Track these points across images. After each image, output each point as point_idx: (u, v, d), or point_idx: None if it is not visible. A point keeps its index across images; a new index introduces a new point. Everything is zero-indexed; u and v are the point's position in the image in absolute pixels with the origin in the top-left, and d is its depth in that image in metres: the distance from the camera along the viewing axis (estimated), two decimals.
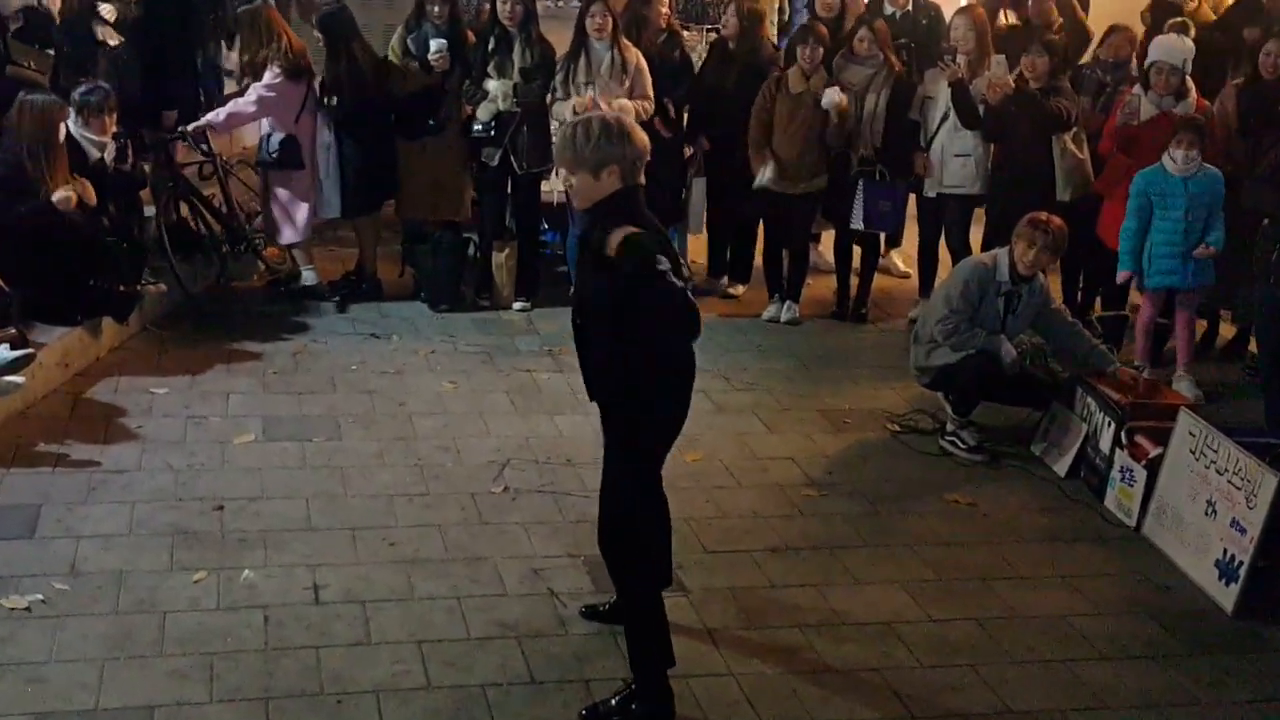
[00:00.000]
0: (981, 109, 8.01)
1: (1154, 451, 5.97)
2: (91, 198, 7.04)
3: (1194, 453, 5.68)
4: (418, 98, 8.34)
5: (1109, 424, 6.31)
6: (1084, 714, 4.60)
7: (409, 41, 8.45)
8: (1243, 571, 5.29)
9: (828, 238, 9.36)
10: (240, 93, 8.28)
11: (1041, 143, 7.87)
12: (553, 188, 8.73)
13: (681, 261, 4.24)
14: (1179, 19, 8.51)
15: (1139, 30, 8.88)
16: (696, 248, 9.36)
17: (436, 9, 8.33)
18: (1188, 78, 7.71)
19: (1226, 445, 5.49)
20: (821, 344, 8.31)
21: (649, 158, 4.24)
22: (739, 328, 8.47)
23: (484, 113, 8.24)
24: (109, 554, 5.19)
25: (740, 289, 9.15)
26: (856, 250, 8.83)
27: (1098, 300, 8.52)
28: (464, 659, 4.65)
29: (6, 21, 7.65)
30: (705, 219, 9.10)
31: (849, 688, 4.65)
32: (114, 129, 7.42)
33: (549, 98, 8.23)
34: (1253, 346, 8.02)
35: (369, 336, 7.95)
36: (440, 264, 8.53)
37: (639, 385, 4.16)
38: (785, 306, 8.66)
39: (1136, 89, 7.82)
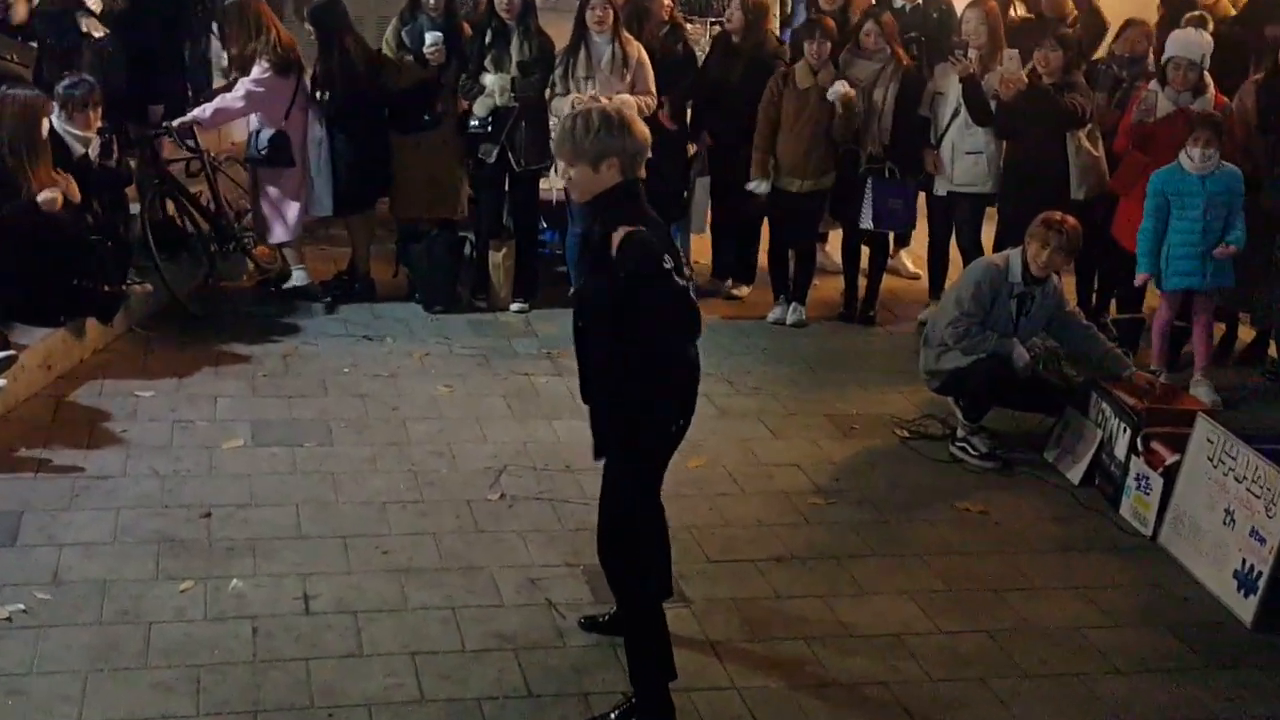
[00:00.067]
0: (993, 105, 8.00)
1: (1171, 458, 5.96)
2: (75, 194, 7.04)
3: (1212, 460, 5.68)
4: (412, 92, 8.34)
5: (1124, 430, 6.31)
6: None
7: (403, 34, 8.45)
8: (1262, 583, 5.28)
9: (835, 237, 9.36)
10: (228, 87, 8.27)
11: (1055, 140, 7.86)
12: (551, 185, 8.75)
13: (683, 260, 4.23)
14: (1197, 13, 8.50)
15: (1155, 22, 8.88)
16: (699, 248, 9.36)
17: (432, 1, 8.34)
18: (1206, 73, 7.71)
19: (1245, 452, 5.48)
20: (828, 347, 8.31)
21: (650, 154, 4.24)
22: (743, 330, 8.47)
23: (481, 108, 8.24)
24: (92, 563, 5.18)
25: (744, 290, 9.15)
26: (865, 250, 8.83)
27: (1113, 302, 8.52)
28: (459, 671, 4.64)
29: None
30: (708, 218, 9.10)
31: (856, 702, 4.65)
32: (98, 124, 7.41)
33: (548, 93, 8.24)
34: (1273, 350, 8.04)
35: (362, 338, 7.95)
36: (435, 264, 8.53)
37: (638, 386, 4.15)
38: (791, 308, 8.66)
39: (1153, 85, 7.82)
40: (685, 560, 5.41)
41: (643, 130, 4.18)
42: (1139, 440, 6.17)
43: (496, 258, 8.60)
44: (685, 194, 8.89)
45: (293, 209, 8.36)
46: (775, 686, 4.70)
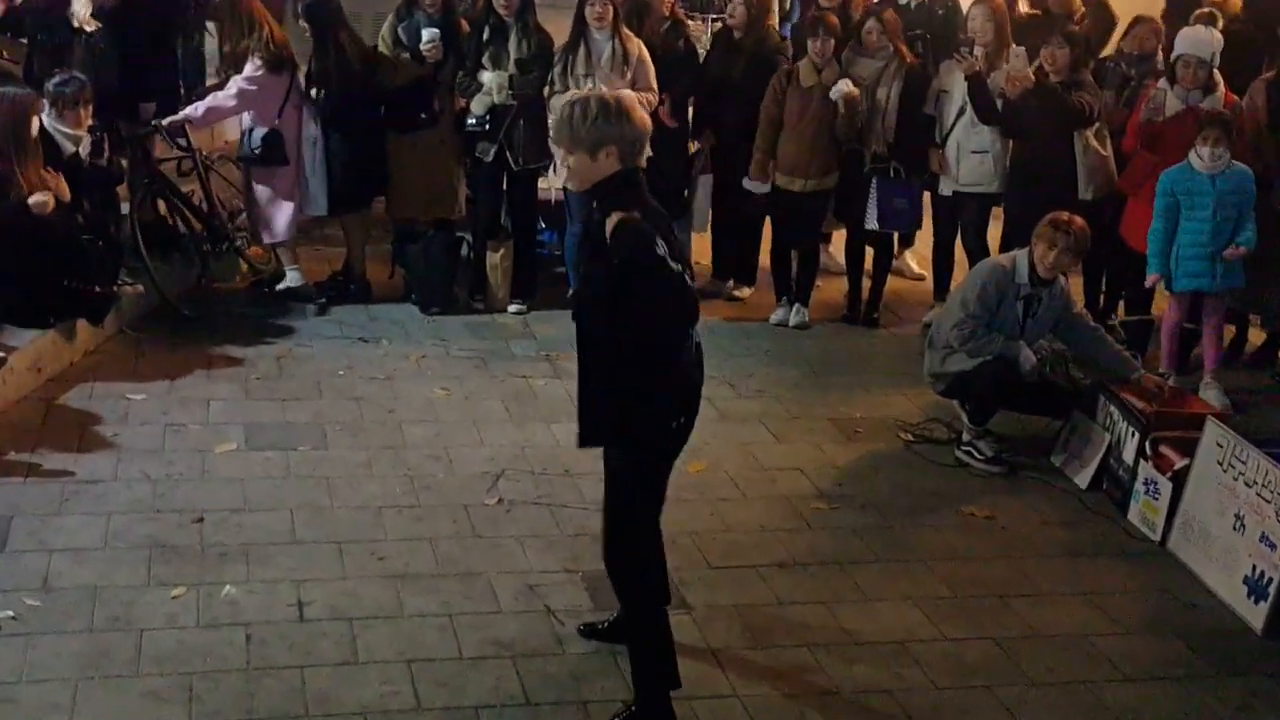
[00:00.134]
0: (1000, 103, 8.01)
1: (1180, 463, 5.97)
2: (65, 194, 7.04)
3: (1221, 464, 5.68)
4: (409, 90, 8.34)
5: (1132, 434, 6.31)
6: None
7: (400, 31, 8.45)
8: (1272, 589, 5.29)
9: (838, 238, 9.37)
10: (220, 85, 8.27)
11: (1062, 139, 7.87)
12: (550, 184, 8.75)
13: (680, 249, 4.22)
14: (1206, 10, 8.51)
15: (1159, 15, 8.88)
16: (701, 248, 9.36)
17: None
18: (1215, 71, 7.71)
19: (1256, 456, 5.49)
20: (832, 349, 8.32)
21: (650, 150, 4.25)
22: (745, 332, 8.47)
23: (478, 106, 8.25)
24: (83, 568, 5.19)
25: (746, 291, 9.16)
26: (869, 251, 8.83)
27: (1121, 304, 8.52)
28: (456, 679, 4.65)
29: None
30: (710, 217, 9.09)
31: (859, 711, 4.66)
32: (90, 122, 7.41)
33: (546, 90, 8.25)
34: None
35: (357, 340, 7.96)
36: (432, 264, 8.53)
37: (634, 373, 4.15)
38: (794, 310, 8.67)
39: (1162, 83, 7.82)
40: (686, 566, 5.41)
41: (642, 118, 4.18)
42: (1147, 444, 6.18)
43: (494, 258, 8.60)
44: (686, 192, 8.89)
45: (286, 209, 8.36)
46: (777, 694, 4.70)
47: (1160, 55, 8.36)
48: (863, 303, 8.84)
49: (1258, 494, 5.42)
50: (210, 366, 7.36)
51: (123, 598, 5.00)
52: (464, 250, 8.75)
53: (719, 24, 9.80)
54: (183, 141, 8.31)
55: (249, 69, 8.05)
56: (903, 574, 5.60)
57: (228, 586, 5.12)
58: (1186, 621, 5.39)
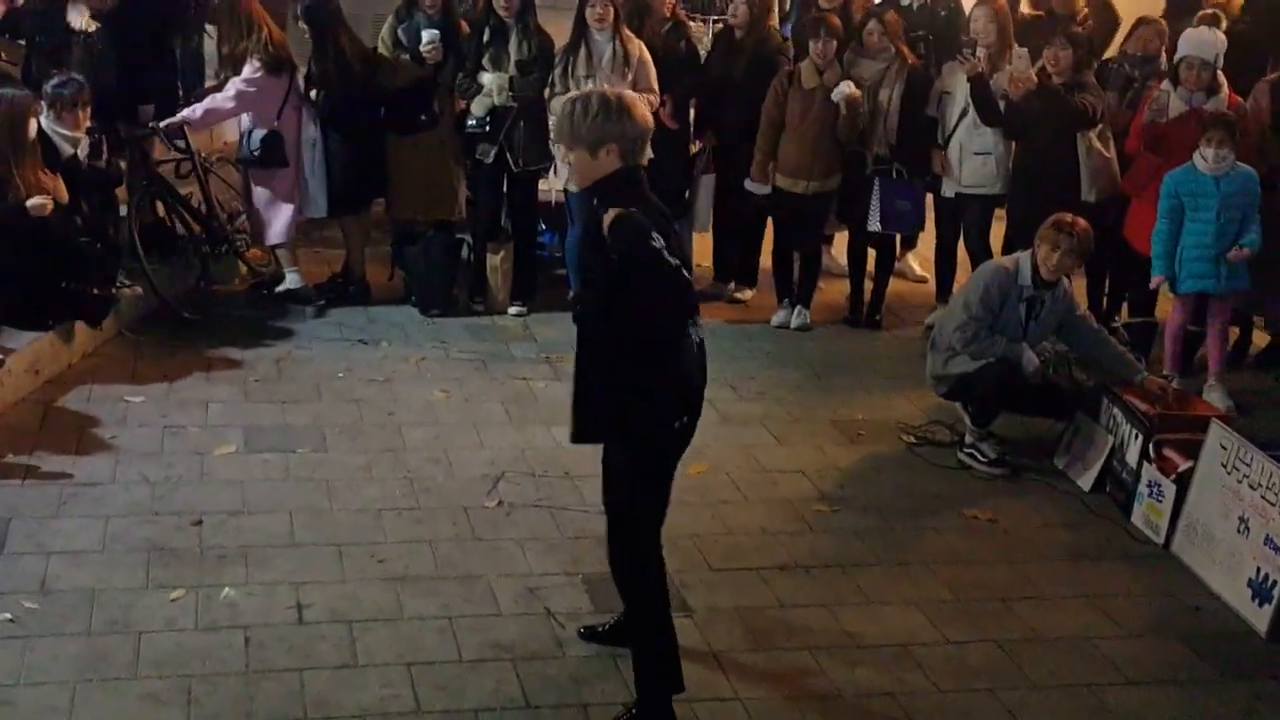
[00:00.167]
0: (1002, 105, 8.01)
1: (1183, 465, 5.97)
2: (63, 195, 7.05)
3: (1225, 467, 5.68)
4: (409, 91, 8.35)
5: (1136, 436, 6.32)
6: None
7: (400, 32, 8.46)
8: (1277, 592, 5.29)
9: (840, 239, 9.37)
10: (218, 87, 8.28)
11: (1065, 141, 7.87)
12: (551, 186, 8.76)
13: (680, 244, 4.22)
14: (1210, 11, 8.51)
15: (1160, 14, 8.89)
16: (702, 250, 9.37)
17: None
18: (1219, 73, 7.72)
19: (1260, 459, 5.49)
20: (833, 351, 8.32)
21: (651, 154, 4.26)
22: (746, 334, 8.48)
23: (478, 107, 8.26)
24: (81, 571, 5.19)
25: (748, 293, 9.16)
26: (871, 253, 8.83)
27: (1124, 306, 8.52)
28: (456, 682, 4.65)
29: None
30: (711, 217, 9.08)
31: (861, 714, 4.66)
32: (88, 123, 7.42)
33: (547, 92, 8.25)
34: None
35: (356, 342, 7.96)
36: (432, 266, 8.54)
37: (632, 368, 4.16)
38: (795, 312, 8.67)
39: (1165, 84, 7.83)
40: (688, 569, 5.42)
41: (643, 116, 4.19)
42: (1151, 446, 6.18)
43: (494, 260, 8.61)
44: (687, 192, 8.90)
45: (286, 210, 8.37)
46: (779, 697, 4.70)
47: (1164, 57, 8.37)
48: (865, 305, 8.85)
49: (1262, 496, 5.43)
50: (209, 369, 7.37)
51: (121, 600, 5.00)
52: (464, 252, 8.76)
53: (720, 25, 9.81)
54: (181, 143, 8.32)
55: (247, 70, 8.06)
56: (905, 577, 5.61)
57: (226, 589, 5.13)
58: (1190, 625, 5.39)
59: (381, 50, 8.50)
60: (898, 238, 9.05)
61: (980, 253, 8.31)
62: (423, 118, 8.37)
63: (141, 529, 5.55)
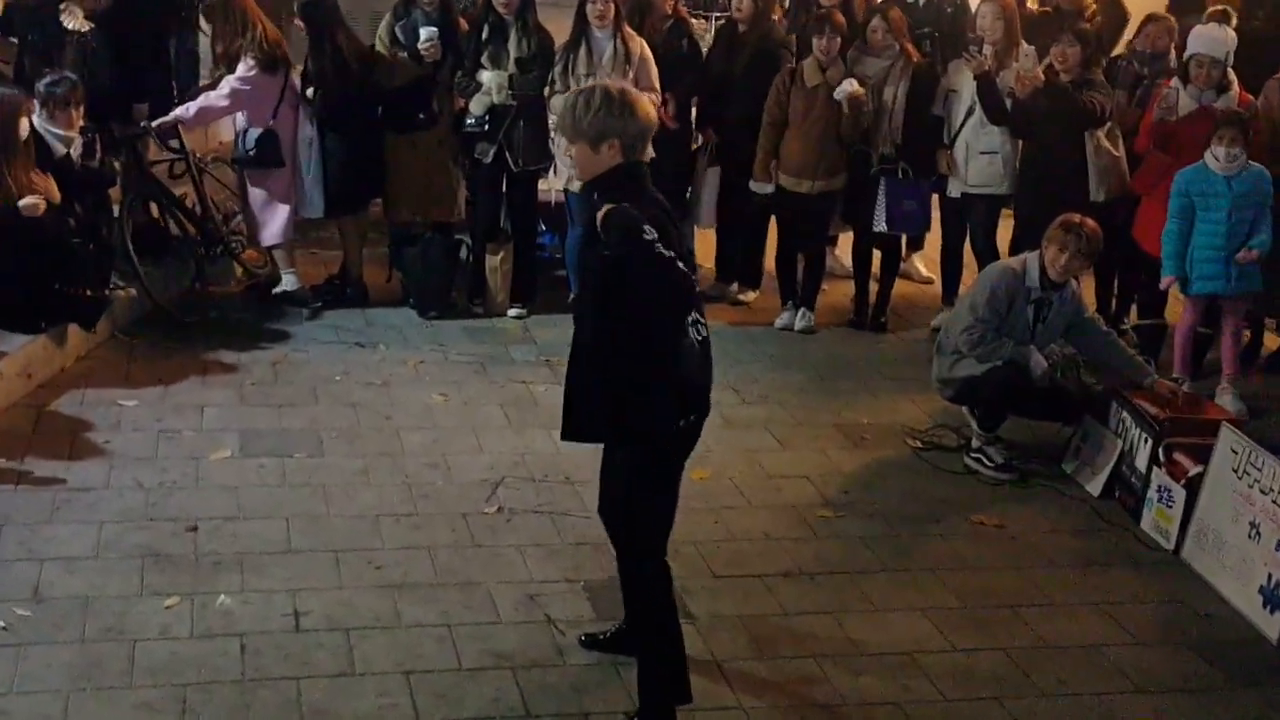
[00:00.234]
0: (1009, 103, 8.01)
1: (1194, 470, 5.97)
2: (55, 195, 7.05)
3: (1236, 471, 5.68)
4: (406, 90, 8.35)
5: (1145, 440, 6.31)
6: None
7: (397, 30, 8.46)
8: None
9: (845, 240, 9.37)
10: (213, 85, 8.28)
11: (1073, 139, 7.87)
12: (550, 186, 8.76)
13: (678, 239, 4.23)
14: (1220, 8, 8.51)
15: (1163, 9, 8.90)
16: (704, 251, 9.37)
17: None
18: (1230, 70, 7.72)
19: (1271, 463, 5.49)
20: (838, 354, 8.32)
21: (652, 153, 4.26)
22: (750, 336, 8.48)
23: (477, 106, 8.26)
24: (74, 578, 5.19)
25: (751, 295, 9.16)
26: (876, 254, 8.84)
27: (1133, 308, 8.52)
28: (455, 690, 4.65)
29: None
30: (715, 213, 9.05)
31: None
32: (81, 123, 7.43)
33: (547, 90, 8.25)
34: None
35: (353, 345, 7.96)
36: (430, 268, 8.54)
37: (627, 363, 4.17)
38: (799, 314, 8.67)
39: (1175, 82, 7.83)
40: (690, 575, 5.42)
41: (646, 112, 4.20)
42: (1161, 451, 6.18)
43: (493, 261, 8.61)
44: (689, 191, 8.89)
45: (282, 211, 8.37)
46: (783, 706, 4.70)
47: (1173, 54, 8.37)
48: (870, 307, 8.85)
49: (1273, 501, 5.43)
50: (204, 372, 7.37)
51: (115, 608, 5.00)
52: (463, 253, 8.76)
53: (722, 22, 9.81)
54: (175, 143, 8.31)
55: (242, 69, 8.05)
56: (911, 584, 5.61)
57: (222, 596, 5.13)
58: (1201, 632, 5.39)
59: (379, 48, 8.50)
60: (903, 238, 9.05)
61: (987, 254, 8.31)
62: (421, 117, 8.37)
63: (136, 535, 5.56)
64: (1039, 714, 4.76)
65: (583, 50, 8.11)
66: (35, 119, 7.15)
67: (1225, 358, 7.54)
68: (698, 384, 4.34)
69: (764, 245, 9.11)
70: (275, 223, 8.39)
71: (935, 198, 8.67)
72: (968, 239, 8.62)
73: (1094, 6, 9.21)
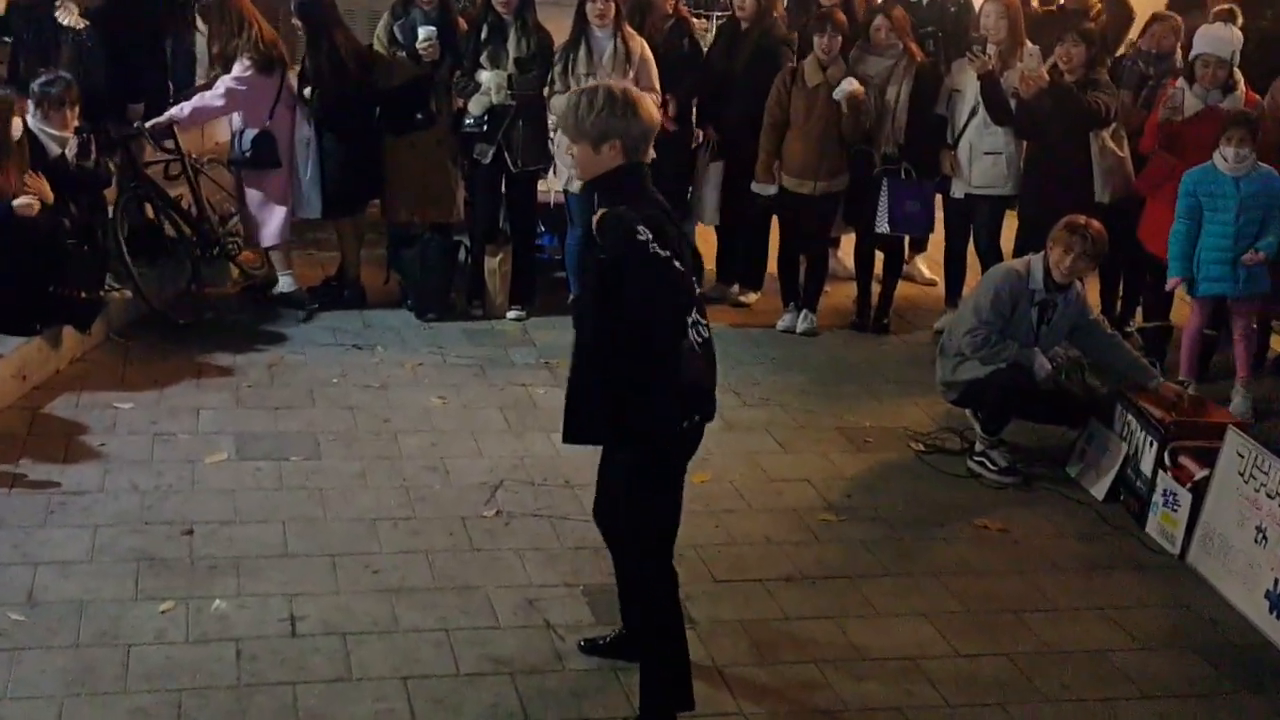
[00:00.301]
0: (1013, 103, 8.01)
1: (1200, 473, 5.97)
2: (49, 196, 7.05)
3: (1243, 475, 5.68)
4: (405, 90, 8.36)
5: (1151, 444, 6.32)
6: None
7: (395, 29, 8.47)
8: None
9: (847, 242, 9.37)
10: (208, 85, 8.29)
11: (1078, 140, 7.88)
12: (550, 187, 8.76)
13: (677, 237, 4.24)
14: (1226, 6, 8.52)
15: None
16: (706, 254, 9.32)
17: None
18: (1236, 70, 7.72)
19: (1278, 467, 5.48)
20: (840, 357, 8.32)
21: (653, 153, 4.27)
22: (751, 339, 8.48)
23: (476, 106, 8.26)
24: (69, 582, 5.19)
25: (752, 296, 9.16)
26: (879, 255, 8.84)
27: (1139, 310, 8.52)
28: (453, 696, 4.65)
29: None
30: (719, 209, 9.02)
31: None
32: (76, 123, 7.43)
33: (546, 90, 8.26)
34: None
35: (351, 348, 7.97)
36: (428, 269, 8.54)
37: (626, 362, 4.18)
38: (801, 316, 8.67)
39: (1180, 82, 7.83)
40: (690, 580, 5.40)
41: (649, 112, 4.21)
42: (1166, 454, 6.18)
43: (492, 263, 8.61)
44: (690, 193, 8.89)
45: (279, 212, 8.38)
46: (784, 712, 4.70)
47: (1179, 54, 8.36)
48: (872, 309, 8.85)
49: None
50: (200, 374, 7.38)
51: (110, 612, 5.01)
52: (461, 255, 8.76)
53: (724, 21, 9.80)
54: (169, 144, 8.31)
55: (237, 69, 8.06)
56: (914, 588, 5.61)
57: (218, 600, 5.13)
58: (1206, 637, 5.39)
59: (377, 48, 8.51)
60: (906, 240, 9.05)
61: (991, 255, 8.31)
62: (419, 117, 8.37)
63: (131, 539, 5.56)
64: None
65: (582, 50, 8.11)
66: (30, 119, 7.16)
67: (1239, 360, 7.52)
68: (700, 385, 4.35)
69: (766, 247, 9.10)
70: (272, 224, 8.39)
71: (939, 199, 8.67)
72: (971, 240, 8.62)
73: (1099, 5, 9.20)
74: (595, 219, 4.08)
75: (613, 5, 8.05)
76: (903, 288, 9.10)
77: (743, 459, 6.70)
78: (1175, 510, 6.05)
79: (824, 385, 7.82)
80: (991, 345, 6.61)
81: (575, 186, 7.92)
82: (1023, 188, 8.24)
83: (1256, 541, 5.54)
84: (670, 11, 8.80)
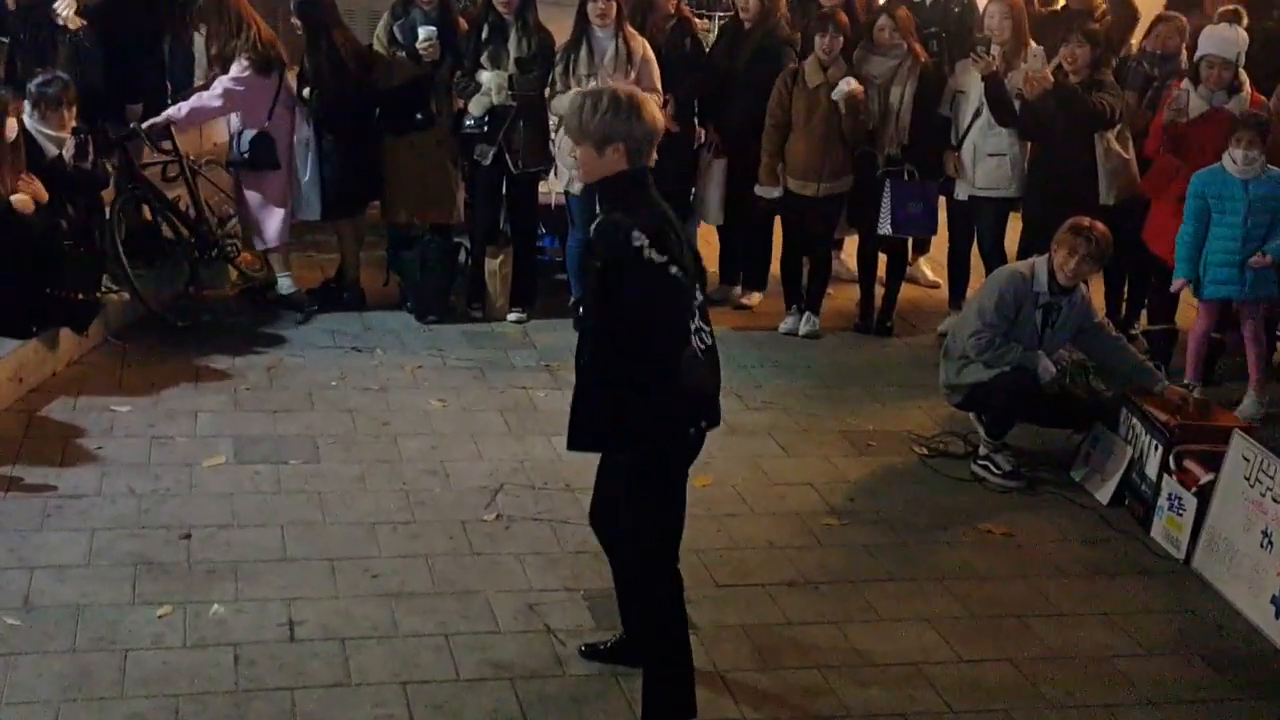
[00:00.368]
0: (1017, 104, 8.02)
1: (1205, 477, 5.97)
2: (42, 195, 7.04)
3: (1248, 479, 5.68)
4: (405, 90, 8.36)
5: (1156, 447, 6.31)
6: None
7: (395, 29, 8.47)
8: None
9: (850, 244, 9.37)
10: (206, 86, 8.29)
11: (1083, 141, 7.88)
12: (551, 189, 8.76)
13: (676, 240, 4.25)
14: (1231, 7, 8.52)
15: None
16: (709, 255, 9.36)
17: None
18: (1241, 71, 7.72)
19: None
20: (843, 359, 8.32)
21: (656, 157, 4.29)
22: (753, 341, 8.48)
23: (477, 107, 8.26)
24: (66, 586, 5.19)
25: (755, 298, 9.16)
26: (882, 257, 8.84)
27: (1144, 313, 8.52)
28: (453, 701, 4.65)
29: None
30: (723, 208, 8.99)
31: None
32: (73, 123, 7.43)
33: (547, 91, 8.26)
34: None
35: (350, 350, 7.97)
36: (428, 271, 8.54)
37: (627, 363, 4.18)
38: (804, 318, 8.67)
39: (1185, 83, 7.83)
40: (692, 585, 5.36)
41: (653, 116, 4.22)
42: (1171, 458, 6.18)
43: (493, 265, 8.61)
44: (692, 194, 8.88)
45: (278, 214, 8.38)
46: (786, 718, 4.70)
47: (1184, 55, 8.36)
48: (875, 311, 8.85)
49: None
50: (198, 377, 7.38)
51: (107, 617, 5.00)
52: (461, 256, 8.76)
53: (726, 20, 9.81)
54: (167, 145, 8.31)
55: (235, 69, 8.06)
56: (917, 593, 5.60)
57: (216, 605, 5.13)
58: (1212, 643, 5.39)
59: (377, 48, 8.52)
60: (909, 241, 9.05)
61: (995, 257, 8.31)
62: (419, 117, 8.38)
63: (128, 543, 5.56)
64: None
65: (584, 50, 8.12)
66: (26, 119, 7.16)
67: (1250, 363, 7.51)
68: (705, 392, 4.36)
69: (770, 247, 9.11)
70: (271, 226, 8.40)
71: (942, 200, 8.67)
72: (975, 242, 8.62)
73: (1103, 6, 9.20)
74: (592, 227, 4.11)
75: (614, 5, 8.05)
76: (906, 290, 9.10)
77: (745, 462, 6.70)
78: (1180, 514, 6.04)
79: (827, 388, 7.82)
80: (996, 348, 6.61)
81: (576, 188, 7.93)
82: (1027, 189, 8.24)
83: (1262, 546, 5.53)
84: (672, 11, 8.80)
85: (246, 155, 8.20)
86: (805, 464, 6.78)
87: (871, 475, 6.73)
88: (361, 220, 8.89)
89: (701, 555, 5.69)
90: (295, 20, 8.39)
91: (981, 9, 8.66)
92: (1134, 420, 6.53)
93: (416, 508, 6.04)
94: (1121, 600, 5.67)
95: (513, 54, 8.23)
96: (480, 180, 8.54)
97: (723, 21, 10.05)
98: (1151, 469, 6.31)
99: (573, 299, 8.08)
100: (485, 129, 8.27)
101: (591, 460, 4.67)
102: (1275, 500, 5.49)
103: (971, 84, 8.22)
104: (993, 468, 6.70)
